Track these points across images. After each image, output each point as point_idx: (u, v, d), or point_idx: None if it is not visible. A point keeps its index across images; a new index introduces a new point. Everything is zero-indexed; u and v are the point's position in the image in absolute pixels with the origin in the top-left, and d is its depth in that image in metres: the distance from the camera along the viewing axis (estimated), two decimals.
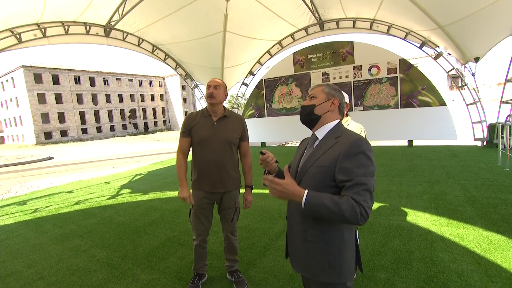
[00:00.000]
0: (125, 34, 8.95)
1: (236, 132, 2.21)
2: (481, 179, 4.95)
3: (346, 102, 1.48)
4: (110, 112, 45.89)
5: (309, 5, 8.86)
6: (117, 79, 47.04)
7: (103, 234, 3.70)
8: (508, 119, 5.69)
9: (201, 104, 13.26)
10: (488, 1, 5.78)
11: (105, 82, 45.39)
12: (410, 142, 9.94)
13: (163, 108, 55.67)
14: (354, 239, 1.23)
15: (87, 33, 8.01)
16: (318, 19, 10.04)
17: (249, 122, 12.17)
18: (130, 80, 49.39)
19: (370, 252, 2.75)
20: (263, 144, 12.56)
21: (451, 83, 29.76)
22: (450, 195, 4.21)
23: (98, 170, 10.71)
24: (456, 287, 2.18)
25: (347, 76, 11.01)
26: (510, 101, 7.44)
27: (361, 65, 10.63)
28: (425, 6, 6.59)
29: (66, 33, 7.62)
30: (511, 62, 7.09)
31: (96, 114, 44.00)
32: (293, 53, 11.75)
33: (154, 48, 10.10)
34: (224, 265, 2.49)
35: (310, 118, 1.30)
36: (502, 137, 5.89)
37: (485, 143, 8.46)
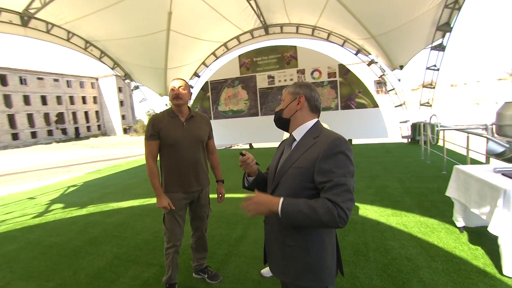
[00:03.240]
0: (49, 26, 7.79)
1: (205, 131, 2.23)
2: (411, 171, 5.63)
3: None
4: (30, 116, 39.70)
5: (255, 8, 9.00)
6: (38, 78, 40.94)
7: (30, 262, 3.09)
8: (432, 119, 6.60)
9: (143, 106, 12.35)
10: (409, 18, 6.66)
11: (22, 81, 39.07)
12: (350, 140, 10.79)
13: (96, 112, 50.50)
14: (334, 242, 1.20)
15: None
16: (263, 23, 10.27)
17: None
18: (55, 80, 43.52)
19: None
20: None
21: (377, 88, 33.61)
22: (390, 188, 4.67)
23: (17, 184, 9.09)
24: (408, 270, 2.38)
25: (291, 79, 11.45)
26: (427, 104, 8.69)
27: (304, 69, 11.17)
28: (360, 17, 7.27)
29: None
30: (426, 71, 8.29)
31: (11, 119, 37.59)
32: (239, 56, 11.79)
33: (88, 45, 9.04)
34: (194, 266, 2.46)
35: (280, 123, 1.29)
36: (425, 135, 6.81)
37: (409, 140, 9.71)
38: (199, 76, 12.27)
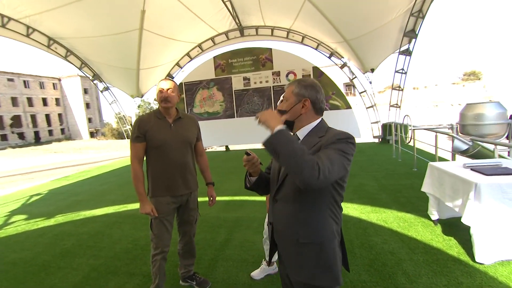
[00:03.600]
0: (5, 19, 7.15)
1: (193, 133, 2.17)
2: (385, 169, 5.91)
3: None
4: None
5: (231, 10, 8.97)
6: None
7: None
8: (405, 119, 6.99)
9: (113, 108, 11.78)
10: (379, 24, 7.02)
11: None
12: None
13: (59, 115, 47.25)
14: (340, 235, 1.21)
15: None
16: (239, 24, 10.26)
17: None
18: (10, 80, 40.05)
19: None
20: None
21: (346, 90, 35.08)
22: (367, 186, 4.86)
23: None
24: (392, 264, 2.48)
25: (267, 81, 11.54)
26: (396, 105, 9.20)
27: (279, 71, 11.31)
28: (334, 21, 7.53)
29: None
30: (395, 74, 8.78)
31: None
32: (214, 57, 11.68)
33: (51, 42, 8.42)
34: (181, 273, 2.37)
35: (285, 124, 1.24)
36: (396, 134, 7.20)
37: (380, 139, 10.21)
38: (173, 78, 11.96)
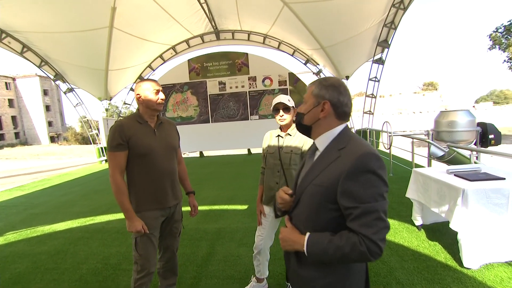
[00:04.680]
0: None
1: (176, 138, 2.01)
2: None
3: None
4: None
5: (207, 12, 8.76)
6: None
7: None
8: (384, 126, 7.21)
9: (78, 112, 10.93)
10: (354, 33, 7.23)
11: None
12: None
13: (13, 117, 43.27)
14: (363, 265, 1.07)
15: None
16: (215, 27, 10.08)
17: None
18: None
19: None
20: None
21: None
22: None
23: None
24: (385, 273, 2.42)
25: (242, 86, 11.45)
26: (369, 112, 9.51)
27: (255, 76, 11.27)
28: (311, 28, 7.62)
29: None
30: (368, 82, 9.10)
31: None
32: (188, 60, 11.38)
33: (4, 35, 7.57)
34: None
35: (301, 129, 1.09)
36: (371, 140, 7.40)
37: None
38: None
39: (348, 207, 0.89)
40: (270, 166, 2.05)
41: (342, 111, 1.01)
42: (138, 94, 1.78)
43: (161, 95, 1.82)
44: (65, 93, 10.31)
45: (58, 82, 9.93)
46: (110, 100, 11.16)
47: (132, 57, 9.63)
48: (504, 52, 13.11)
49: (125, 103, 11.72)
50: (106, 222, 4.23)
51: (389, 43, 7.37)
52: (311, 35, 7.88)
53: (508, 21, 12.77)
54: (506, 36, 13.03)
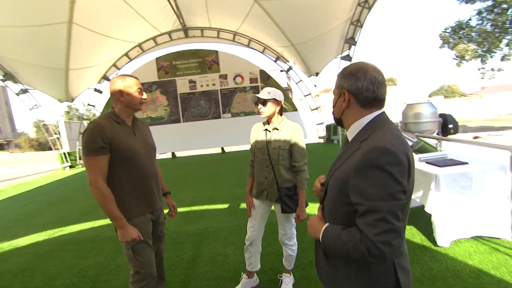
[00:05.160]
0: None
1: (152, 138, 1.93)
2: None
3: None
4: None
5: (175, 8, 8.48)
6: None
7: None
8: None
9: (35, 115, 10.02)
10: (323, 30, 7.46)
11: None
12: None
13: None
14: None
15: None
16: (183, 25, 9.81)
17: None
18: None
19: (298, 251, 2.79)
20: None
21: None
22: None
23: None
24: None
25: (214, 84, 11.32)
26: None
27: (226, 74, 11.20)
28: (282, 25, 7.72)
29: None
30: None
31: None
32: (156, 58, 11.01)
33: None
34: None
35: (336, 122, 1.09)
36: (343, 134, 7.69)
37: (325, 139, 10.85)
38: (109, 80, 10.77)
39: (356, 203, 0.86)
40: (259, 161, 2.05)
41: (363, 97, 0.94)
42: (119, 91, 1.64)
43: (144, 94, 1.74)
44: (17, 94, 9.40)
45: (7, 82, 9.01)
46: (72, 101, 10.40)
47: (95, 55, 9.04)
48: (452, 50, 14.33)
49: (88, 105, 10.97)
50: (78, 232, 3.94)
51: (356, 40, 7.71)
52: (281, 32, 7.99)
53: (455, 23, 13.94)
54: (453, 36, 14.22)
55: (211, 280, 2.46)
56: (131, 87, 1.67)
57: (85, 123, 11.52)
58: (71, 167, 10.31)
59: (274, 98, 1.95)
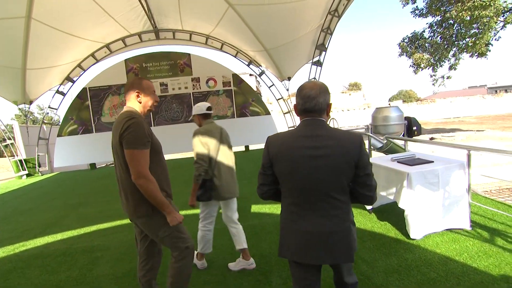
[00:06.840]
0: None
1: None
2: None
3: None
4: None
5: (146, 9, 8.24)
6: None
7: None
8: (331, 122, 7.84)
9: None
10: (295, 36, 7.72)
11: None
12: (247, 147, 11.32)
13: None
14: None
15: None
16: (154, 26, 9.55)
17: (71, 140, 9.69)
18: None
19: None
20: (92, 166, 10.25)
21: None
22: None
23: None
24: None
25: (186, 88, 11.13)
26: None
27: (199, 77, 11.05)
28: (255, 30, 7.84)
29: None
30: None
31: None
32: (126, 60, 10.56)
33: None
34: None
35: None
36: None
37: None
38: (73, 82, 10.12)
39: None
40: None
41: (299, 109, 1.36)
42: (138, 92, 1.74)
43: (157, 97, 1.86)
44: None
45: None
46: (30, 104, 9.57)
47: (57, 54, 8.44)
48: (409, 58, 15.51)
49: (49, 107, 10.15)
50: (44, 245, 3.63)
51: (326, 46, 8.08)
52: (254, 37, 8.12)
53: (411, 33, 15.14)
54: (410, 45, 15.41)
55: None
56: (149, 89, 1.78)
57: (45, 127, 10.64)
58: (28, 175, 9.44)
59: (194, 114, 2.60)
